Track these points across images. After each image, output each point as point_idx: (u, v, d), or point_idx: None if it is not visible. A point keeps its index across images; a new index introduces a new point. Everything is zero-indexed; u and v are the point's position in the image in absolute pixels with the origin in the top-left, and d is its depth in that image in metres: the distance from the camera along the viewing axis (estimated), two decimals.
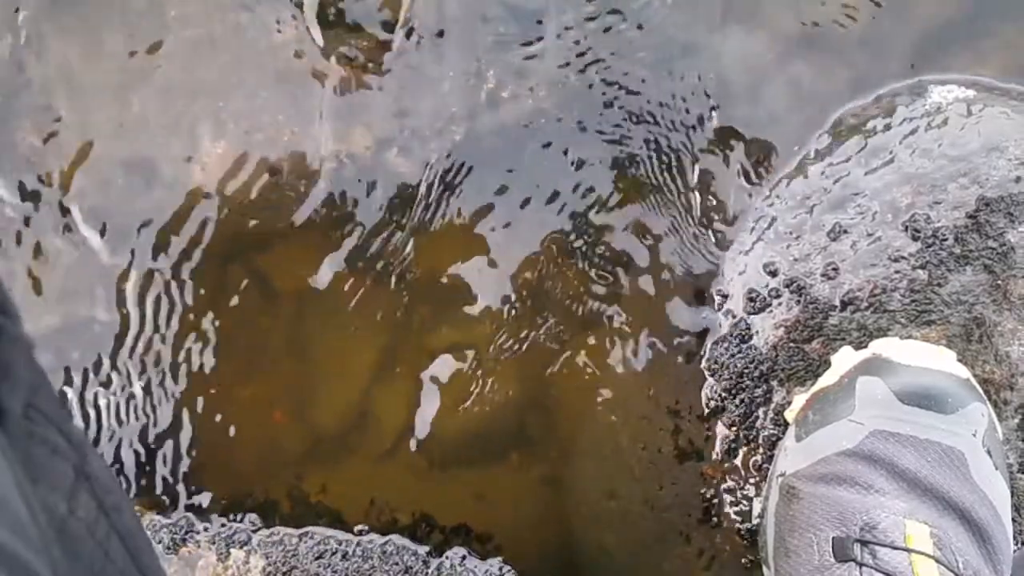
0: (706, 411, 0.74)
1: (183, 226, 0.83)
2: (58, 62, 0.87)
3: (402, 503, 0.79)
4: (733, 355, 0.73)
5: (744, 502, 0.72)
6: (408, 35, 0.84)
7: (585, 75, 0.83)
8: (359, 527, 0.78)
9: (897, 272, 0.68)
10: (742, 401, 0.73)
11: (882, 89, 0.78)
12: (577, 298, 0.80)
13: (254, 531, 0.78)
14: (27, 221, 0.85)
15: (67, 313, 0.84)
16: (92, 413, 0.82)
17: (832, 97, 0.79)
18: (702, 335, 0.76)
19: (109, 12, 0.87)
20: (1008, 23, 0.79)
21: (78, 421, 0.82)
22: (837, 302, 0.70)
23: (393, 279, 0.82)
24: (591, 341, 0.80)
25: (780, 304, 0.72)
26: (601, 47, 0.83)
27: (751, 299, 0.73)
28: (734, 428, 0.73)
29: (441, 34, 0.84)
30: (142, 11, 0.87)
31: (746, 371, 0.73)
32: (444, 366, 0.81)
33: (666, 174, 0.81)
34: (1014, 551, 0.61)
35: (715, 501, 0.73)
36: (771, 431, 0.71)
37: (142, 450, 0.81)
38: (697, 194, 0.80)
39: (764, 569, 0.65)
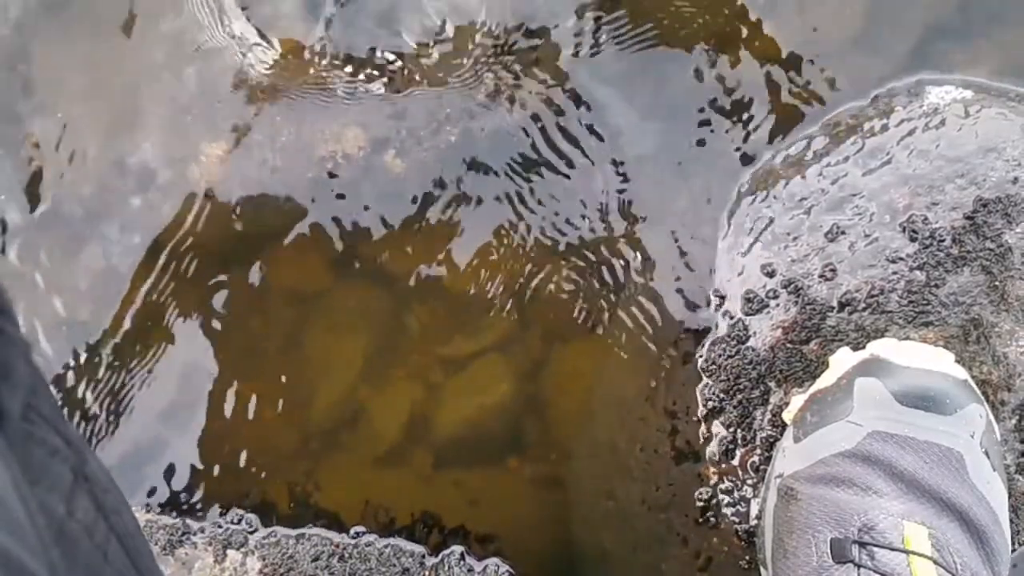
0: (703, 412, 0.74)
1: (180, 227, 0.83)
2: (55, 64, 0.87)
3: (400, 504, 0.78)
4: (731, 356, 0.73)
5: (742, 503, 0.72)
6: (406, 36, 0.84)
7: (583, 75, 0.83)
8: (357, 528, 0.78)
9: (895, 273, 0.69)
10: (740, 402, 0.73)
11: (880, 90, 0.78)
12: (574, 299, 0.80)
13: (251, 532, 0.78)
14: (26, 223, 0.85)
15: (64, 313, 0.84)
16: (88, 414, 0.82)
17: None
18: (700, 336, 0.76)
19: (110, 12, 0.87)
20: (1006, 24, 0.79)
21: (73, 422, 0.81)
22: (835, 303, 0.70)
23: (389, 280, 0.82)
24: (588, 342, 0.80)
25: (778, 305, 0.72)
26: (602, 46, 0.83)
27: (749, 300, 0.73)
28: (732, 429, 0.73)
29: (439, 34, 0.84)
30: (145, 12, 0.87)
31: (744, 372, 0.73)
32: (441, 367, 0.81)
33: (665, 175, 0.81)
34: (1012, 552, 0.61)
35: (713, 502, 0.73)
36: (769, 432, 0.71)
37: (140, 451, 0.81)
38: (696, 195, 0.80)
39: (762, 570, 0.65)
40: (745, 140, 0.80)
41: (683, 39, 0.82)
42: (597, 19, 0.83)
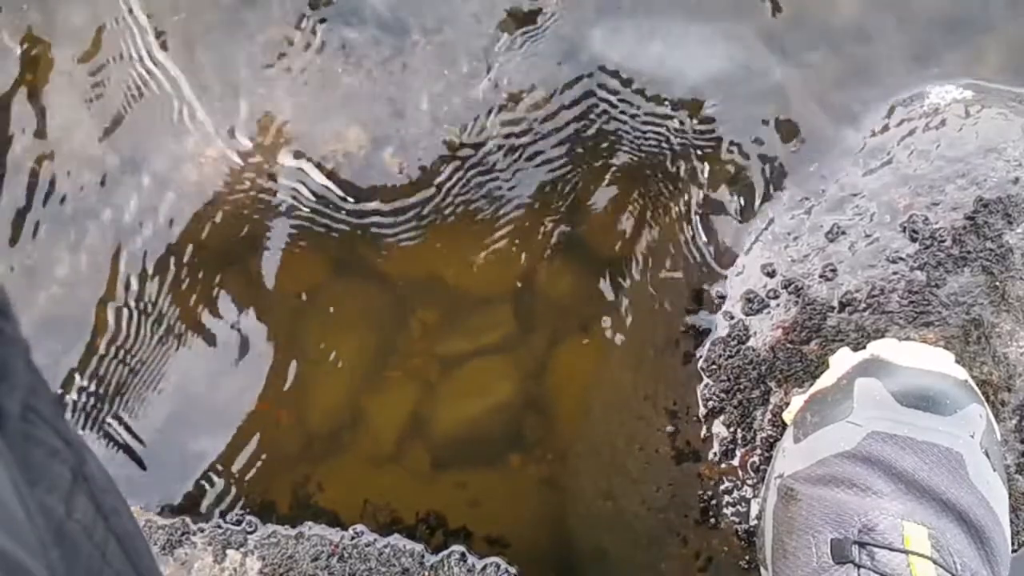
0: (703, 412, 0.74)
1: (179, 227, 0.83)
2: (50, 64, 0.87)
3: (400, 504, 0.78)
4: (731, 356, 0.73)
5: (742, 503, 0.72)
6: (405, 34, 0.84)
7: (580, 71, 0.83)
8: (357, 528, 0.78)
9: (895, 273, 0.68)
10: (740, 402, 0.72)
11: (880, 89, 0.78)
12: (574, 299, 0.80)
13: (250, 532, 0.78)
14: (25, 221, 0.85)
15: (64, 312, 0.84)
16: (87, 413, 0.82)
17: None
18: (700, 336, 0.76)
19: (99, 10, 0.87)
20: (1007, 22, 0.79)
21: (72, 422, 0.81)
22: (835, 303, 0.70)
23: (388, 280, 0.82)
24: (588, 342, 0.80)
25: (778, 305, 0.72)
26: (598, 46, 0.83)
27: (749, 300, 0.73)
28: (732, 429, 0.73)
29: (438, 32, 0.84)
30: (137, 11, 0.87)
31: (744, 372, 0.72)
32: (441, 367, 0.81)
33: (665, 176, 0.80)
34: (1012, 552, 0.61)
35: (712, 502, 0.73)
36: (769, 432, 0.71)
37: (138, 451, 0.81)
38: (696, 196, 0.80)
39: (762, 570, 0.65)
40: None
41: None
42: None
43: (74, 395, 0.82)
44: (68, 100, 0.86)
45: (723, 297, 0.76)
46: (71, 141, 0.86)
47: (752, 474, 0.72)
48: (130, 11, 0.86)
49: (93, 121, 0.85)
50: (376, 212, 0.82)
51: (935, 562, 0.53)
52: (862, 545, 0.54)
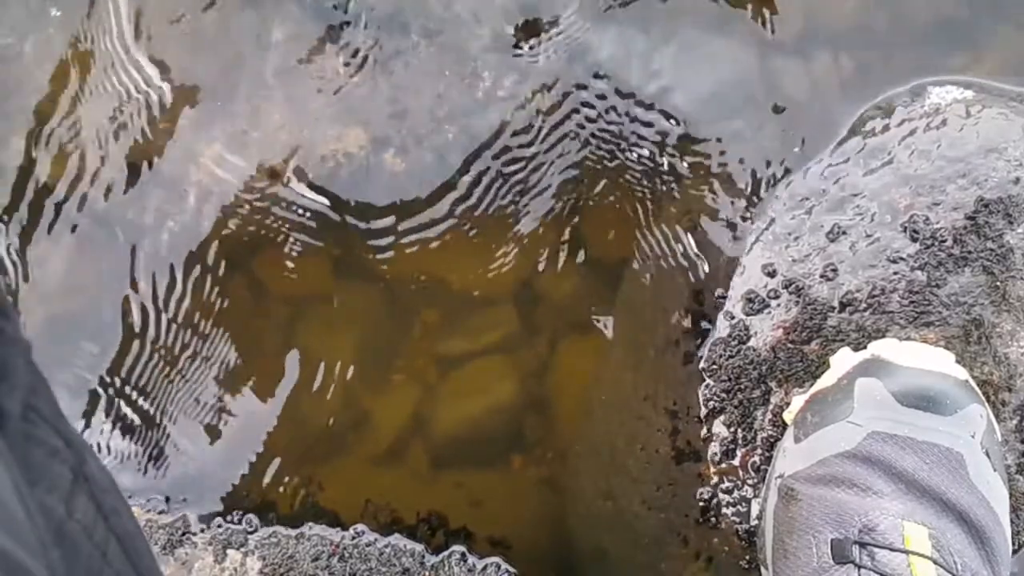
0: (704, 412, 0.74)
1: (180, 229, 0.83)
2: (50, 64, 0.87)
3: (401, 504, 0.78)
4: (731, 356, 0.73)
5: (742, 503, 0.72)
6: (405, 35, 0.84)
7: (581, 74, 0.83)
8: (357, 528, 0.78)
9: (896, 273, 0.68)
10: (740, 402, 0.72)
11: (880, 89, 0.78)
12: (575, 299, 0.80)
13: (251, 532, 0.78)
14: (28, 222, 0.85)
15: (63, 312, 0.84)
16: (87, 413, 0.82)
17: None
18: (700, 336, 0.76)
19: (98, 11, 0.87)
20: (1007, 22, 0.79)
21: (73, 421, 0.81)
22: (836, 303, 0.70)
23: (390, 280, 0.82)
24: (589, 342, 0.80)
25: (779, 305, 0.72)
26: (596, 47, 0.83)
27: (749, 300, 0.73)
28: (732, 429, 0.73)
29: (439, 33, 0.84)
30: (137, 9, 0.87)
31: (744, 372, 0.72)
32: (441, 368, 0.81)
33: (666, 177, 0.80)
34: (1012, 552, 0.61)
35: (713, 502, 0.73)
36: (769, 432, 0.71)
37: (139, 451, 0.81)
38: (696, 197, 0.80)
39: (762, 570, 0.65)
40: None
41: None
42: None
43: (74, 394, 0.82)
44: (69, 100, 0.86)
45: (723, 297, 0.76)
46: (75, 142, 0.86)
47: (752, 474, 0.72)
48: (124, 12, 0.86)
49: (94, 122, 0.86)
50: (376, 214, 0.82)
51: (935, 562, 0.53)
52: (862, 545, 0.54)
